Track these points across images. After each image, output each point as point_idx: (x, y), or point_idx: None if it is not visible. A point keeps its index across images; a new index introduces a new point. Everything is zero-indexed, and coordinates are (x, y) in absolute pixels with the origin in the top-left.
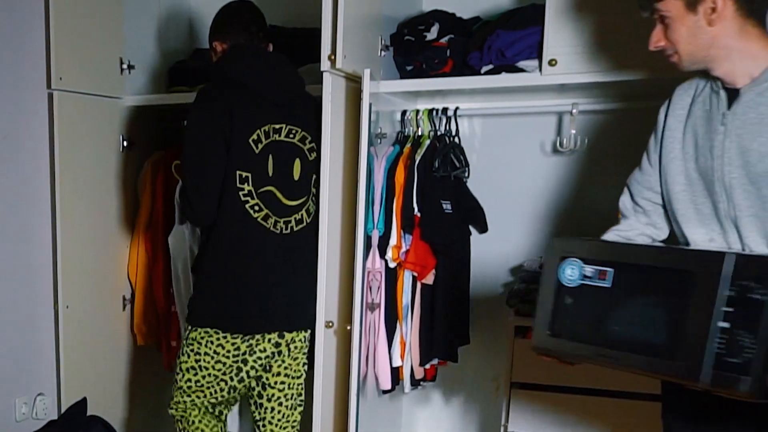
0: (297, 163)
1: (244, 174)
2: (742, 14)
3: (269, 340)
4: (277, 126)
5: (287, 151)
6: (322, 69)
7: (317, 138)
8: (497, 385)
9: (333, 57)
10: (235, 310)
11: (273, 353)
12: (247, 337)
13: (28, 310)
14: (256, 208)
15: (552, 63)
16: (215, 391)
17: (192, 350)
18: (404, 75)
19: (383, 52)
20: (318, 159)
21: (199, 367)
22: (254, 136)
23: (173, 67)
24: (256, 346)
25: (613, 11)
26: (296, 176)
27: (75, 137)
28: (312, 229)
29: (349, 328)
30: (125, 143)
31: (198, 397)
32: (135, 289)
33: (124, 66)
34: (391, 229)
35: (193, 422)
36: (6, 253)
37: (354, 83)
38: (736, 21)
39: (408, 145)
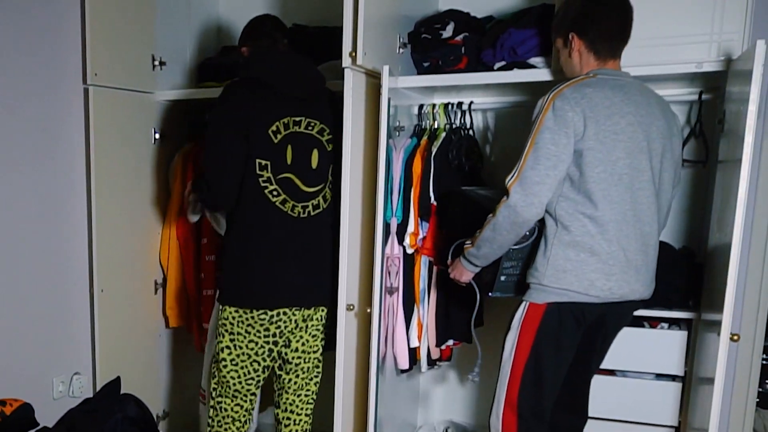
0: (315, 153)
1: (264, 162)
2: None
3: (290, 317)
4: (297, 118)
5: (306, 141)
6: (343, 65)
7: (334, 130)
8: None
9: (354, 54)
10: (258, 288)
11: (292, 329)
12: (271, 314)
13: (65, 294)
14: (275, 193)
15: None
16: (248, 372)
17: (226, 330)
18: (421, 71)
19: (401, 50)
20: (335, 150)
21: (234, 346)
22: (273, 128)
23: (202, 63)
24: (281, 322)
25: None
26: (314, 165)
27: (109, 130)
28: (328, 214)
29: (369, 310)
30: (157, 136)
31: (233, 378)
32: (166, 274)
33: (156, 62)
34: (409, 217)
35: (225, 409)
36: (44, 240)
37: (374, 79)
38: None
39: (425, 138)
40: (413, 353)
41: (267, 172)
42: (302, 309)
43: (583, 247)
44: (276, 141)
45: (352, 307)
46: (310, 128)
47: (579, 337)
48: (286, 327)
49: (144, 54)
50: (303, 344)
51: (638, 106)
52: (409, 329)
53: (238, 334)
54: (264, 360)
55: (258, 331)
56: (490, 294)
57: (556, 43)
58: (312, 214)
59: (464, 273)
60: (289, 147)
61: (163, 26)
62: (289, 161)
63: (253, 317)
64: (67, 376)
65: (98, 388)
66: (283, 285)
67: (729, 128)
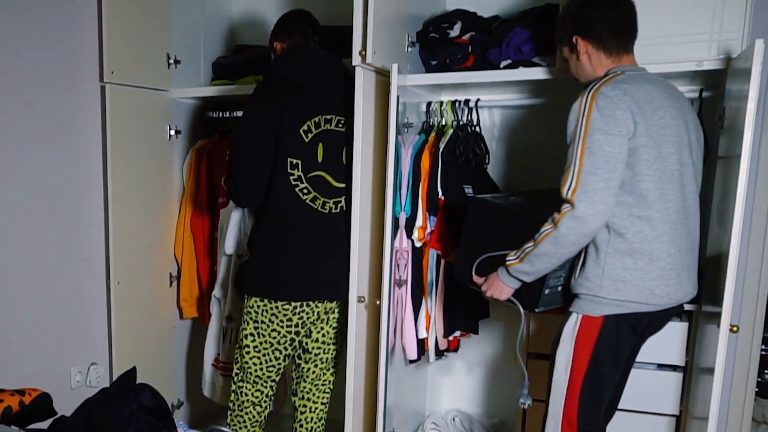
0: (345, 150)
1: (294, 161)
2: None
3: (313, 309)
4: (328, 116)
5: (337, 139)
6: (353, 64)
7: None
8: (514, 355)
9: (364, 53)
10: (284, 281)
11: (314, 321)
12: (294, 305)
13: (82, 286)
14: (305, 191)
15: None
16: (270, 359)
17: (251, 318)
18: (429, 69)
19: (410, 48)
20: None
21: (258, 333)
22: (304, 127)
23: (216, 62)
24: (303, 313)
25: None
26: (345, 161)
27: (125, 126)
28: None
29: (378, 302)
30: (171, 132)
31: (255, 364)
32: (181, 267)
33: (171, 61)
34: (417, 211)
35: (246, 393)
36: (62, 234)
37: (383, 77)
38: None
39: (433, 134)
40: (421, 344)
41: (298, 170)
42: (325, 301)
43: (642, 253)
44: (307, 140)
45: (362, 299)
46: (339, 126)
47: (633, 346)
48: (308, 318)
49: (159, 53)
50: (324, 335)
51: (674, 99)
52: (417, 320)
53: (262, 322)
54: (285, 349)
55: (281, 321)
56: (535, 310)
57: (564, 53)
58: (344, 209)
59: (505, 290)
60: (320, 145)
61: (177, 26)
62: (320, 159)
63: (277, 307)
64: (85, 366)
65: (115, 378)
66: (308, 279)
67: (728, 125)
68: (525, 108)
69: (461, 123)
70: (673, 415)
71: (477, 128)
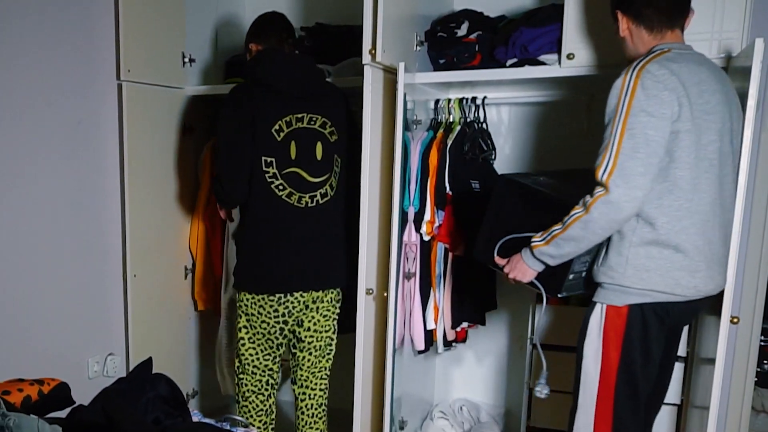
0: (319, 145)
1: (269, 159)
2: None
3: (298, 299)
4: (299, 115)
5: (309, 135)
6: (363, 62)
7: (338, 122)
8: (520, 345)
9: (373, 51)
10: (264, 274)
11: (302, 310)
12: (279, 297)
13: (100, 279)
14: (281, 187)
15: (570, 57)
16: (264, 349)
17: (242, 311)
18: (437, 67)
19: (418, 47)
20: (339, 141)
21: (250, 325)
22: (276, 126)
23: (229, 60)
24: (288, 303)
25: None
26: (319, 157)
27: (141, 123)
28: (336, 200)
29: (386, 294)
30: (186, 129)
31: (251, 355)
32: (195, 260)
33: (186, 60)
34: (426, 205)
35: (246, 384)
36: (80, 228)
37: (392, 75)
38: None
39: (441, 131)
40: (430, 335)
41: (273, 168)
42: (310, 291)
43: (668, 243)
44: (279, 138)
45: (371, 291)
46: (312, 123)
47: (664, 338)
48: (294, 308)
49: (175, 51)
50: (314, 324)
51: (722, 83)
52: (425, 312)
53: (252, 315)
54: (276, 338)
55: (269, 312)
56: (558, 295)
57: (614, 25)
58: (320, 202)
59: (528, 273)
60: (293, 143)
61: (192, 25)
62: (293, 156)
63: (263, 299)
64: (102, 356)
65: (131, 368)
66: (289, 271)
67: None
68: (531, 105)
69: (468, 120)
70: (674, 404)
71: (484, 125)
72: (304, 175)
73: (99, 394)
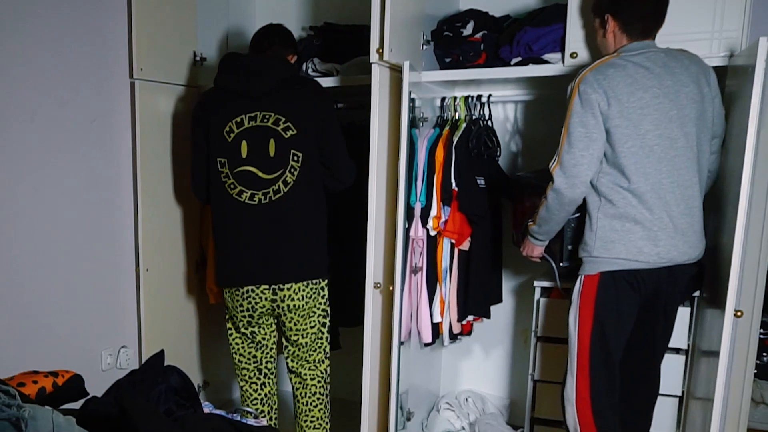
0: (272, 142)
1: (222, 159)
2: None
3: (259, 295)
4: (252, 114)
5: (261, 133)
6: (371, 61)
7: (297, 119)
8: (525, 338)
9: (381, 50)
10: (223, 270)
11: (272, 306)
12: (242, 291)
13: (113, 273)
14: (232, 186)
15: (573, 55)
16: (243, 339)
17: (226, 303)
18: (443, 66)
19: (425, 46)
20: (297, 136)
21: (230, 317)
22: (227, 128)
23: None
24: (250, 298)
25: None
26: (272, 153)
27: (153, 121)
28: (292, 196)
29: (391, 288)
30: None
31: (237, 344)
32: (206, 254)
33: (197, 58)
34: (432, 201)
35: (238, 375)
36: (94, 224)
37: (399, 73)
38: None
39: (447, 128)
40: (436, 328)
41: (225, 168)
42: (271, 286)
43: (628, 217)
44: (230, 139)
45: (378, 285)
46: (265, 120)
47: (637, 306)
48: (257, 303)
49: (186, 50)
50: (290, 320)
51: (661, 78)
52: (432, 306)
53: (228, 307)
54: (245, 328)
55: (237, 305)
56: (561, 264)
57: (595, 23)
58: (273, 199)
59: (534, 248)
60: (244, 142)
61: (203, 25)
62: (244, 155)
63: (232, 292)
64: (115, 349)
65: (143, 361)
66: (244, 265)
67: (729, 119)
68: (534, 103)
69: (474, 117)
70: (676, 396)
71: (489, 122)
72: (257, 172)
73: (112, 385)
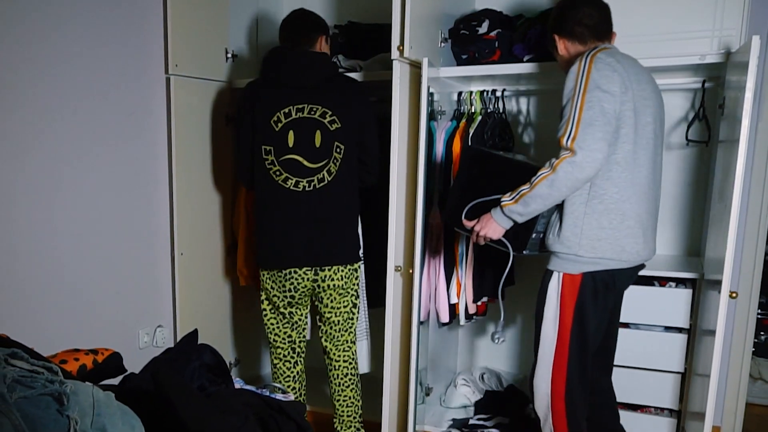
0: (318, 134)
1: (268, 147)
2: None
3: (301, 276)
4: (300, 106)
5: (308, 124)
6: (392, 58)
7: (341, 112)
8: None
9: (401, 48)
10: (267, 253)
11: (313, 285)
12: (285, 272)
13: (150, 257)
14: (278, 173)
15: None
16: (279, 319)
17: (263, 286)
18: (460, 62)
19: (443, 44)
20: (341, 129)
21: (267, 298)
22: (275, 118)
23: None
24: (293, 279)
25: None
26: (317, 144)
27: (188, 114)
28: (335, 185)
29: (411, 271)
30: (229, 119)
31: (272, 324)
32: (238, 239)
33: (229, 55)
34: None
35: (273, 353)
36: (132, 211)
37: (418, 69)
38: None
39: (463, 121)
40: (453, 309)
41: (271, 155)
42: (313, 268)
43: (616, 212)
44: (277, 129)
45: (399, 268)
46: (312, 113)
47: (612, 303)
48: (299, 284)
49: (218, 47)
50: (331, 301)
51: (650, 76)
52: (449, 287)
53: (267, 289)
54: (285, 308)
55: (278, 286)
56: (523, 252)
57: (553, 47)
58: (317, 186)
59: (498, 230)
60: (291, 132)
61: (234, 22)
62: (291, 144)
63: (273, 274)
64: (151, 328)
65: (178, 339)
66: (289, 248)
67: (728, 112)
68: (546, 97)
69: (489, 111)
70: (678, 372)
71: (503, 115)
72: (302, 161)
73: (149, 363)
